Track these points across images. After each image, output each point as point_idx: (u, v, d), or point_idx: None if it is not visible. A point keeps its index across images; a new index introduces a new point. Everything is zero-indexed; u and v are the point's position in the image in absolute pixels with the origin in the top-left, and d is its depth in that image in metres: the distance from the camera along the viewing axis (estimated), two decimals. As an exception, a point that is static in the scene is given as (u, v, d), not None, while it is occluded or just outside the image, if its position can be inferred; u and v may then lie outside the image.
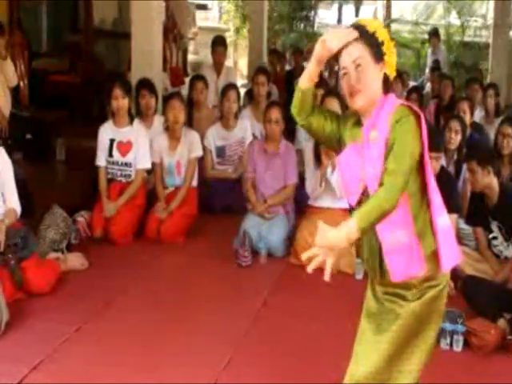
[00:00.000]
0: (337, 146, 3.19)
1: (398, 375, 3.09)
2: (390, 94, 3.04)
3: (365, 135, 3.01)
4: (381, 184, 2.87)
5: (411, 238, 2.96)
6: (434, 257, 3.01)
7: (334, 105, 6.20)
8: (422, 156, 2.95)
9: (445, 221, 3.07)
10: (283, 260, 6.29)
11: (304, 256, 2.84)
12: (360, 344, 3.18)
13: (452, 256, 3.08)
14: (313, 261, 2.81)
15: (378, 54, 2.99)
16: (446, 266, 3.03)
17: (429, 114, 10.05)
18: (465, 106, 7.88)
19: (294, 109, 3.17)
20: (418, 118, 2.95)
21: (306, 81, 3.08)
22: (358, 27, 3.00)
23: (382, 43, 3.00)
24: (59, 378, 4.22)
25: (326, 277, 2.81)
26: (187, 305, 5.33)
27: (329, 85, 8.32)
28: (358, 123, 3.10)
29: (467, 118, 7.75)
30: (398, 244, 2.96)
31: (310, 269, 2.80)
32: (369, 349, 3.12)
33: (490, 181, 5.48)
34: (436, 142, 5.72)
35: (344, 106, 6.22)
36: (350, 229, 2.79)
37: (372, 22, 3.06)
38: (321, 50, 2.96)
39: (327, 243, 2.80)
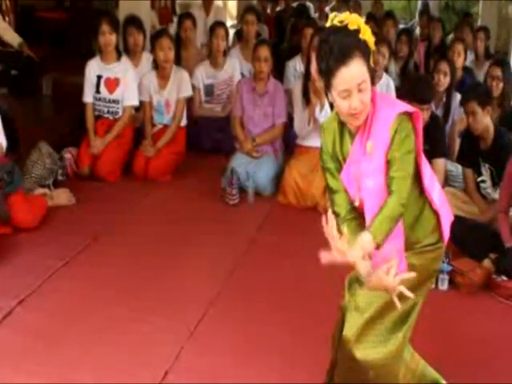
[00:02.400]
0: None
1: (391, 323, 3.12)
2: (373, 93, 2.90)
3: (359, 147, 2.93)
4: (389, 192, 2.83)
5: (399, 252, 2.95)
6: (436, 228, 3.06)
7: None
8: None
9: (438, 191, 3.10)
10: (271, 199, 6.30)
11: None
12: (358, 295, 3.16)
13: (448, 219, 3.13)
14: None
15: (370, 63, 2.84)
16: (446, 235, 3.09)
17: (418, 57, 10.00)
18: (459, 47, 7.77)
19: None
20: (414, 117, 2.89)
21: None
22: (354, 35, 2.78)
23: (371, 50, 2.84)
24: (46, 311, 4.24)
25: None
26: (174, 241, 5.33)
27: (317, 24, 8.24)
28: (342, 137, 3.02)
29: (460, 60, 7.69)
30: (385, 258, 2.89)
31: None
32: (367, 298, 3.11)
33: (489, 121, 5.47)
34: (425, 94, 5.68)
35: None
36: (365, 244, 2.76)
37: (357, 20, 2.80)
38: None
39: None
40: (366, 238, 2.77)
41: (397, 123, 2.82)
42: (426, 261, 3.04)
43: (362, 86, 2.78)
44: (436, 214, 3.05)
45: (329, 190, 3.12)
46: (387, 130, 2.83)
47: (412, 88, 5.61)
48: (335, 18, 2.83)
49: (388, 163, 2.85)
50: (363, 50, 2.78)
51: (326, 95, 2.99)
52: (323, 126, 3.13)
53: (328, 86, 2.85)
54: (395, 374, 3.17)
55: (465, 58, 7.96)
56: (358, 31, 2.78)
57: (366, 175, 2.91)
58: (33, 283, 4.52)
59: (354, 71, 2.76)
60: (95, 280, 4.65)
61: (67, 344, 3.89)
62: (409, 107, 2.90)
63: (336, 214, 3.04)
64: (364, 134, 2.90)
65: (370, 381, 3.15)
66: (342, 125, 3.01)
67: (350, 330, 3.11)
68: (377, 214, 2.83)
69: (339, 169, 3.05)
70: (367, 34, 2.80)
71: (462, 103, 5.74)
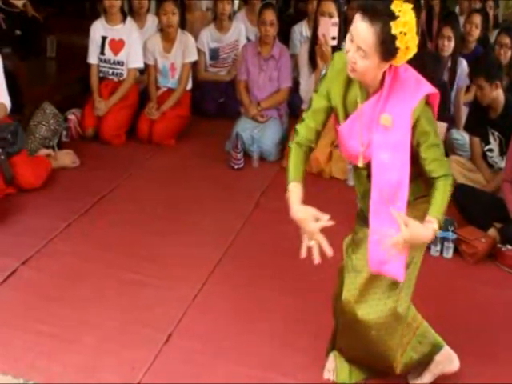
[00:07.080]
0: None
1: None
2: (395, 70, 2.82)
3: (370, 113, 2.87)
4: (434, 176, 2.86)
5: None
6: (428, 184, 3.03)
7: (330, 7, 6.03)
8: None
9: None
10: (276, 164, 6.26)
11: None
12: (356, 258, 3.16)
13: None
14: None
15: (388, 52, 2.68)
16: None
17: (421, 22, 9.86)
18: (477, 19, 7.56)
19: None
20: (433, 99, 2.88)
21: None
22: (388, 18, 2.63)
23: (396, 37, 2.64)
24: (49, 272, 4.23)
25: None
26: (178, 205, 5.32)
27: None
28: (349, 85, 2.95)
29: (477, 32, 7.50)
30: (386, 238, 2.82)
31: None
32: (363, 258, 3.10)
33: (497, 94, 5.43)
34: (436, 72, 5.65)
35: (340, 10, 6.08)
36: (435, 229, 2.78)
37: (402, 6, 2.67)
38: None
39: (414, 238, 2.77)
40: (434, 227, 2.78)
41: (420, 108, 2.80)
42: (419, 212, 3.00)
43: (359, 53, 2.70)
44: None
45: (301, 119, 3.14)
46: (409, 112, 2.79)
47: (423, 68, 5.54)
48: None
49: (417, 154, 2.86)
50: (379, 30, 2.64)
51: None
52: (335, 56, 3.04)
53: None
54: (396, 332, 3.17)
55: (481, 30, 7.63)
56: (393, 14, 2.64)
57: (379, 147, 2.86)
58: (36, 244, 4.50)
59: (361, 31, 2.67)
60: (99, 242, 4.64)
61: (70, 304, 3.88)
62: (431, 88, 2.85)
63: (293, 140, 3.10)
64: (379, 102, 2.84)
65: (373, 341, 3.15)
66: None
67: (348, 291, 3.13)
68: (435, 203, 2.83)
69: (325, 110, 3.05)
70: (400, 28, 2.64)
71: (470, 76, 5.71)
